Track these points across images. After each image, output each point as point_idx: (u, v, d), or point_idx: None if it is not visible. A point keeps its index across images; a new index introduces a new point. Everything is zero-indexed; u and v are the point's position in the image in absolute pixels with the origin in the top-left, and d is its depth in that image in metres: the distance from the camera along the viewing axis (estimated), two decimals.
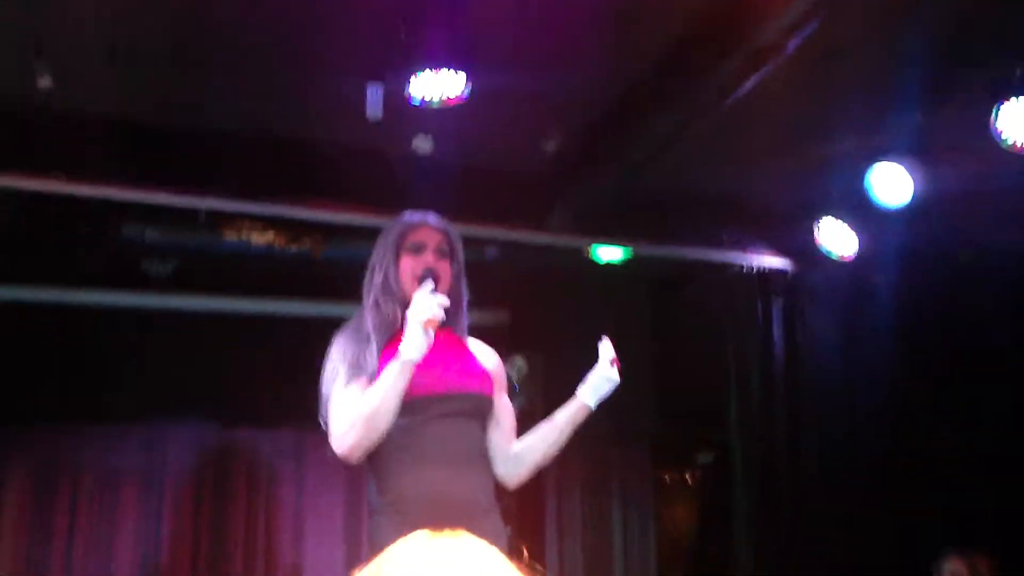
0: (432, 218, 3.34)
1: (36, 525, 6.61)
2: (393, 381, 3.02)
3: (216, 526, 6.92)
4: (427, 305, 2.97)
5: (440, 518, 3.06)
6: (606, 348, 3.36)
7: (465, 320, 3.38)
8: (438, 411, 3.12)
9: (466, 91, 4.68)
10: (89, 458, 6.78)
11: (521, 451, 3.30)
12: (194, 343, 6.53)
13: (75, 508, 6.69)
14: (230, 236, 5.78)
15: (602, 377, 3.35)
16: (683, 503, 7.94)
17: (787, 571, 6.70)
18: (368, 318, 3.21)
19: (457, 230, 3.37)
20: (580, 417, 3.33)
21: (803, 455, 6.89)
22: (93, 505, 6.72)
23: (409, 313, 2.99)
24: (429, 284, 3.07)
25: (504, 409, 3.37)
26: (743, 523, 7.12)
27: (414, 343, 2.97)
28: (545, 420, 3.32)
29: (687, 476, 7.95)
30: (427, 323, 2.96)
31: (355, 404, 3.06)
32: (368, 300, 3.29)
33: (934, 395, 6.52)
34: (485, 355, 3.37)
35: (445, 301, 3.00)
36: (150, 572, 6.72)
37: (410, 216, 3.36)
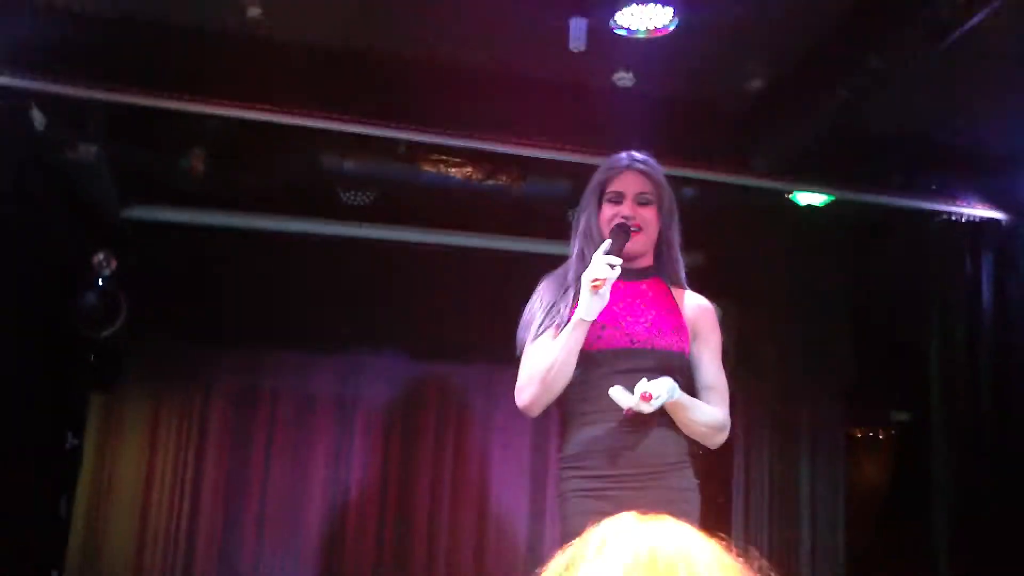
0: (637, 162, 3.25)
1: (237, 442, 6.88)
2: (565, 341, 3.00)
3: (405, 456, 7.07)
4: (597, 266, 2.92)
5: (623, 473, 3.02)
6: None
7: (677, 267, 3.29)
8: (622, 366, 3.07)
9: (673, 23, 4.56)
10: (286, 383, 7.01)
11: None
12: (390, 274, 6.63)
13: (272, 429, 6.94)
14: (428, 168, 5.79)
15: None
16: (876, 462, 7.71)
17: (986, 543, 6.44)
18: (572, 266, 3.18)
19: (662, 172, 3.28)
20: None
21: (1010, 421, 6.56)
22: (289, 427, 6.95)
23: (584, 274, 2.94)
24: (607, 244, 3.00)
25: (703, 366, 3.27)
26: (940, 489, 6.84)
27: (584, 303, 2.93)
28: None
29: (881, 434, 7.70)
30: (596, 284, 2.90)
31: (536, 359, 3.04)
32: (574, 248, 3.25)
33: None
34: (693, 308, 3.27)
35: (616, 261, 2.93)
36: (341, 493, 6.91)
37: (615, 160, 3.29)
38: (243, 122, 5.33)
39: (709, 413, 3.19)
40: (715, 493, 6.47)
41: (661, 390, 2.95)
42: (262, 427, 6.95)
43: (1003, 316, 6.65)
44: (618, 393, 2.96)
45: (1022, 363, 6.57)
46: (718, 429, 3.23)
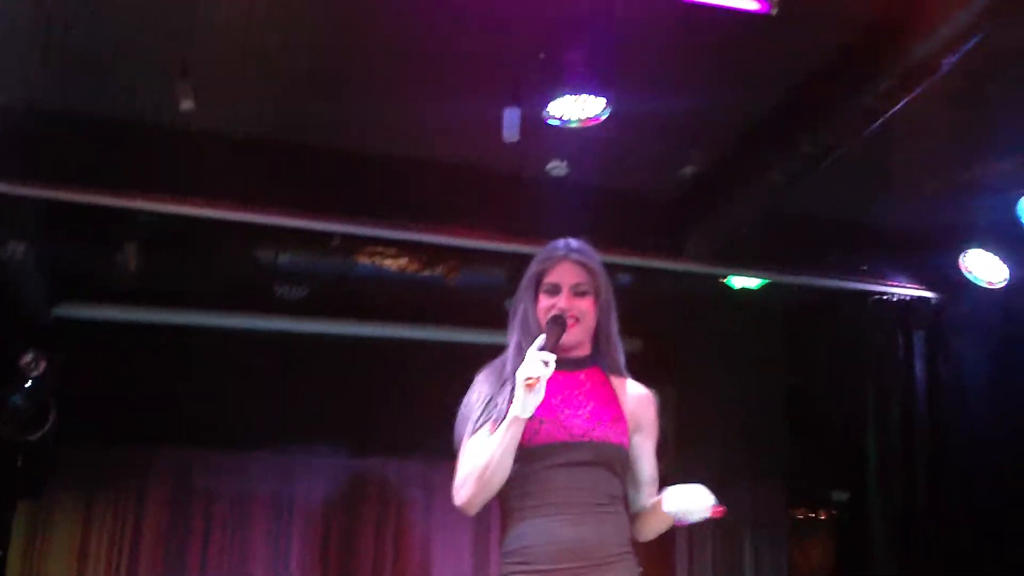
0: (573, 252, 3.23)
1: (172, 545, 6.71)
2: (501, 438, 2.96)
3: (344, 553, 6.94)
4: (531, 364, 2.91)
5: (566, 567, 2.98)
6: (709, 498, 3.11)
7: (616, 355, 3.27)
8: (561, 459, 3.04)
9: (605, 112, 4.61)
10: (222, 482, 6.86)
11: (636, 519, 3.21)
12: (326, 369, 6.57)
13: (209, 530, 6.77)
14: (363, 260, 5.78)
15: (695, 506, 3.09)
16: (817, 542, 7.70)
17: None
18: (509, 359, 3.15)
19: (599, 261, 3.27)
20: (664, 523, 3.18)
21: (946, 496, 6.61)
22: (226, 528, 6.79)
23: (518, 371, 2.93)
24: (541, 339, 2.98)
25: (644, 458, 3.25)
26: (881, 567, 6.85)
27: (519, 401, 2.91)
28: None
29: (822, 514, 7.70)
30: (530, 383, 2.89)
31: (472, 456, 3.01)
32: (511, 339, 3.22)
33: None
34: (634, 398, 3.25)
35: (550, 358, 2.91)
36: None
37: (551, 250, 3.26)
38: (177, 217, 5.28)
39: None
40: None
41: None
42: (198, 529, 6.79)
43: (937, 394, 6.73)
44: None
45: (957, 440, 6.65)
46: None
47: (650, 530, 3.19)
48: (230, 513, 6.84)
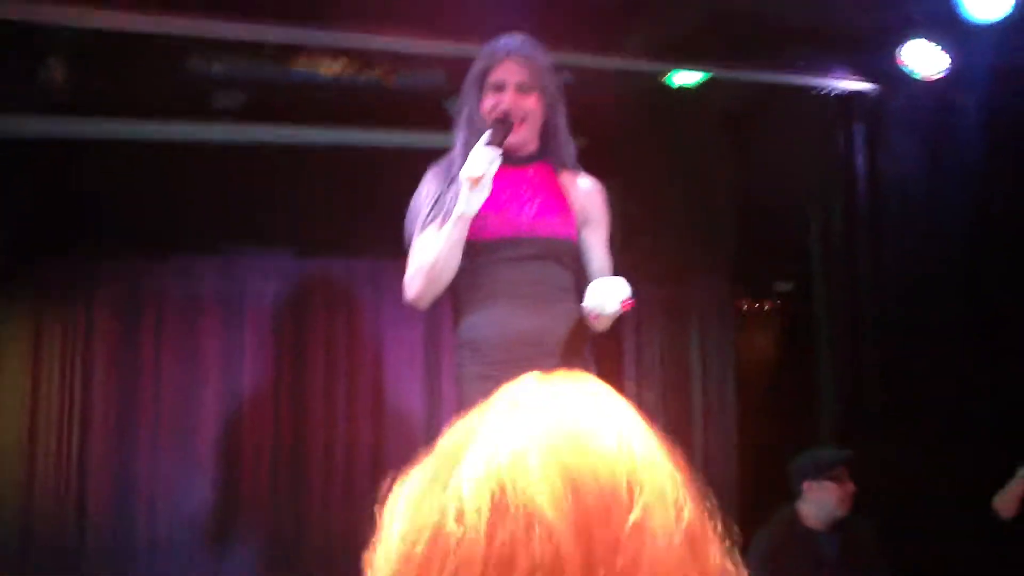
0: (517, 48, 3.20)
1: (124, 353, 6.75)
2: (448, 234, 2.99)
3: (296, 353, 7.02)
4: (475, 162, 2.90)
5: (516, 355, 3.03)
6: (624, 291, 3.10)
7: (564, 151, 3.26)
8: (508, 253, 3.08)
9: None
10: (169, 289, 6.87)
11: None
12: (267, 175, 6.52)
13: (159, 338, 6.81)
14: (299, 66, 5.68)
15: (609, 299, 3.08)
16: (762, 332, 7.90)
17: (868, 401, 6.67)
18: (457, 158, 3.14)
19: (545, 56, 3.23)
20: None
21: (887, 284, 6.77)
22: (176, 335, 6.83)
23: (462, 169, 2.92)
24: (485, 137, 2.97)
25: (594, 251, 3.27)
26: (824, 352, 7.06)
27: (463, 199, 2.93)
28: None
29: (766, 305, 7.88)
30: (473, 180, 2.88)
31: (421, 252, 3.03)
32: (458, 139, 3.21)
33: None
34: (582, 192, 3.26)
35: (494, 155, 2.91)
36: (235, 396, 6.86)
37: (495, 47, 3.23)
38: (103, 28, 5.13)
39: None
40: (608, 372, 6.55)
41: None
42: (148, 335, 6.82)
43: (877, 186, 6.81)
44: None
45: (896, 230, 6.76)
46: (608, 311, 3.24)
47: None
48: (180, 318, 6.87)
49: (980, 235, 6.31)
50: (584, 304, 3.09)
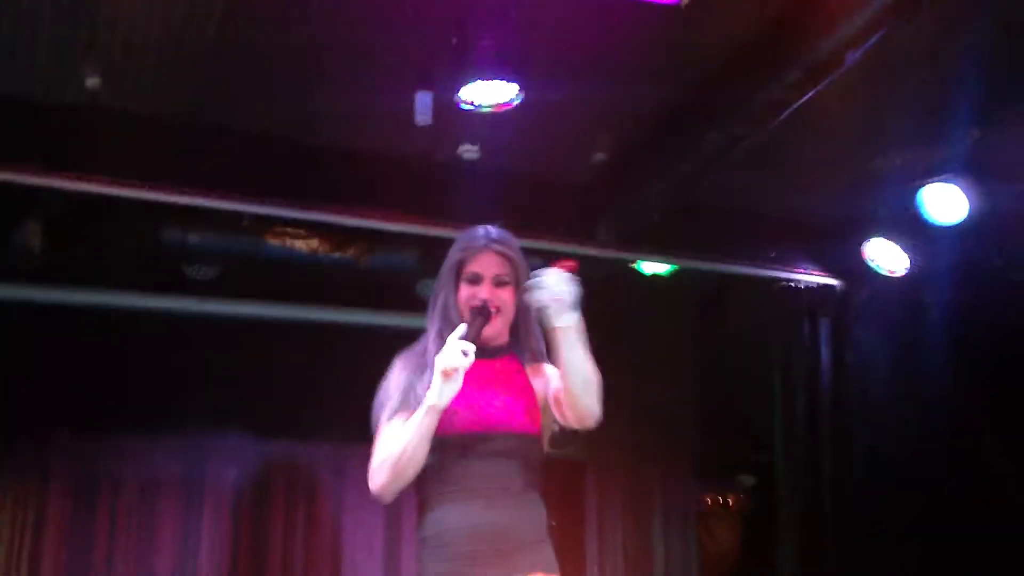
0: (493, 240, 3.23)
1: (77, 535, 6.55)
2: (417, 427, 2.96)
3: (255, 540, 6.87)
4: (450, 354, 2.91)
5: (481, 551, 3.00)
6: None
7: (534, 342, 3.27)
8: (476, 449, 3.05)
9: (518, 98, 4.62)
10: (128, 467, 6.72)
11: (564, 390, 3.09)
12: (235, 350, 6.49)
13: (115, 517, 6.63)
14: (273, 241, 5.74)
15: (548, 280, 3.00)
16: (726, 526, 7.82)
17: None
18: (430, 347, 3.14)
19: (519, 250, 3.27)
20: (569, 337, 3.06)
21: (850, 479, 6.77)
22: (132, 515, 6.66)
23: (436, 358, 2.94)
24: (461, 328, 2.99)
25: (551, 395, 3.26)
26: (787, 549, 7.00)
27: (435, 390, 2.92)
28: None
29: (730, 498, 7.82)
30: (447, 372, 2.90)
31: (388, 443, 3.02)
32: (431, 327, 3.22)
33: (988, 416, 6.37)
34: (543, 379, 3.26)
35: (470, 348, 2.93)
36: None
37: (472, 238, 3.25)
38: (81, 195, 5.19)
39: (593, 378, 3.06)
40: (571, 563, 6.46)
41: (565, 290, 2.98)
42: (104, 517, 6.64)
43: (841, 379, 6.88)
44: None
45: (861, 424, 6.80)
46: (591, 402, 3.08)
47: (570, 368, 3.02)
48: (136, 501, 6.71)
49: (942, 428, 6.36)
50: (530, 303, 3.02)
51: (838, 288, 6.77)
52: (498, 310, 3.15)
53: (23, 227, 5.38)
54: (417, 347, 3.22)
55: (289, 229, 5.76)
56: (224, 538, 6.78)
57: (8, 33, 4.55)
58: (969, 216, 5.59)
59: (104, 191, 5.20)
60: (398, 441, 2.99)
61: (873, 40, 4.29)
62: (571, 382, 3.03)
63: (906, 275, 6.21)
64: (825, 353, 6.93)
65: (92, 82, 4.61)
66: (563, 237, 5.92)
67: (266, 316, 6.57)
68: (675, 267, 6.38)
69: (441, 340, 3.06)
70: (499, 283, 3.17)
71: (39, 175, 5.11)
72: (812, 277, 6.69)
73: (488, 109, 4.70)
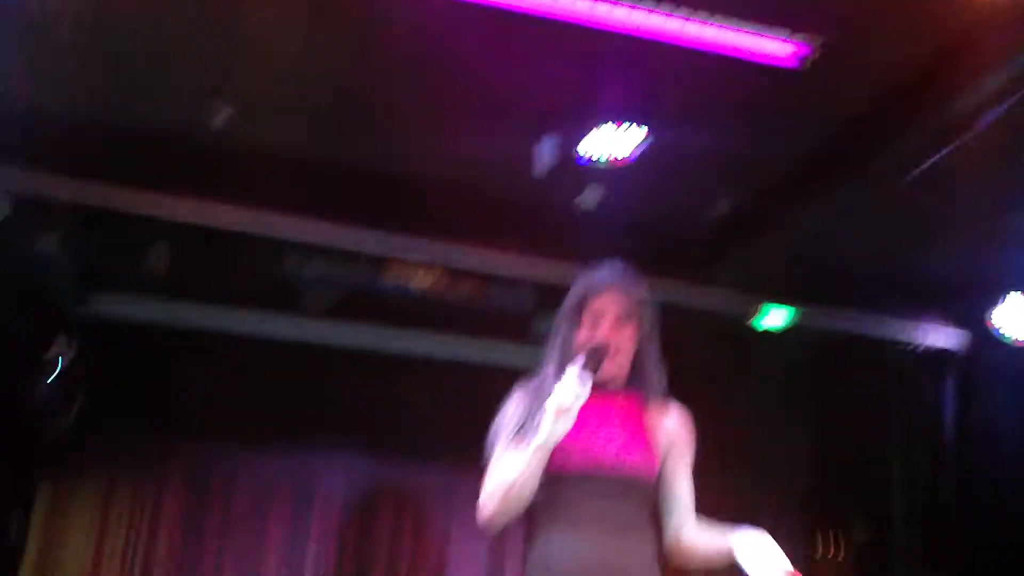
0: (618, 280, 3.22)
1: (188, 535, 6.74)
2: (527, 463, 2.94)
3: (360, 556, 6.95)
4: (564, 392, 2.89)
5: None
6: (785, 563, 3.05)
7: (655, 380, 3.24)
8: (588, 488, 3.03)
9: (635, 152, 4.60)
10: (242, 477, 6.88)
11: (688, 548, 3.20)
12: (350, 377, 6.59)
13: (225, 530, 6.80)
14: (389, 279, 5.83)
15: (770, 569, 3.00)
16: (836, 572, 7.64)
17: None
18: (548, 381, 3.13)
19: (644, 288, 3.25)
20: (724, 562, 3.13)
21: (970, 542, 6.58)
22: (242, 523, 6.82)
23: (550, 399, 2.92)
24: (577, 367, 2.97)
25: (679, 482, 3.23)
26: None
27: (546, 428, 2.90)
28: (719, 532, 3.18)
29: (842, 554, 7.64)
30: (560, 411, 2.88)
31: (499, 476, 3.01)
32: (550, 362, 3.21)
33: None
34: (668, 421, 3.23)
35: (583, 389, 2.91)
36: None
37: (597, 277, 3.24)
38: (207, 228, 5.35)
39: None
40: None
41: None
42: (215, 521, 6.81)
43: (965, 441, 6.69)
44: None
45: (984, 488, 6.60)
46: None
47: (697, 562, 3.17)
48: (248, 508, 6.86)
49: None
50: (742, 563, 3.03)
51: (965, 348, 6.60)
52: (618, 351, 3.13)
53: (152, 249, 5.54)
54: (535, 381, 3.22)
55: (406, 267, 5.84)
56: (330, 551, 6.88)
57: (144, 65, 4.70)
58: None
59: (229, 221, 5.33)
60: (509, 473, 2.98)
61: (1010, 102, 4.18)
62: (693, 562, 3.14)
63: None
64: (949, 414, 6.76)
65: (219, 120, 4.74)
66: (684, 287, 5.89)
67: (383, 347, 6.68)
68: (794, 315, 6.25)
69: (559, 375, 3.05)
70: (622, 321, 3.16)
71: (170, 202, 5.27)
72: (939, 335, 6.54)
73: (604, 164, 4.70)
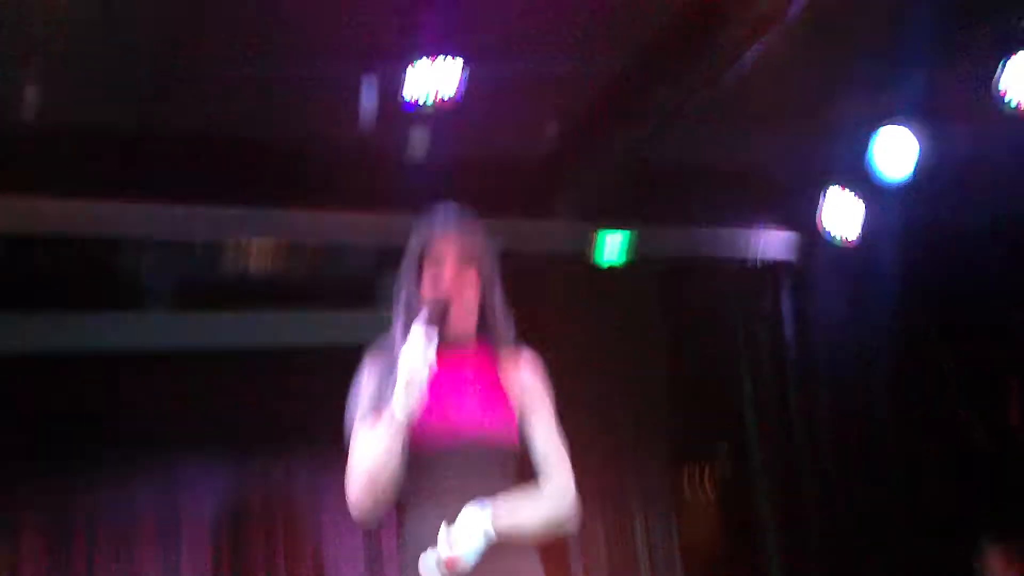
0: (452, 224, 3.13)
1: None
2: (385, 442, 2.83)
3: (236, 566, 6.77)
4: (411, 355, 2.79)
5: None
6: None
7: (503, 328, 3.17)
8: (452, 464, 2.94)
9: (459, 89, 4.54)
10: (103, 500, 6.60)
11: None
12: (198, 374, 6.38)
13: (92, 558, 6.51)
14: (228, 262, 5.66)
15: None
16: (704, 497, 7.79)
17: (814, 560, 6.59)
18: (397, 341, 3.02)
19: (481, 231, 3.16)
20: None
21: (819, 444, 6.80)
22: (110, 554, 6.55)
23: (399, 364, 2.81)
24: (420, 327, 2.87)
25: (536, 435, 3.16)
26: (766, 513, 7.00)
27: (400, 403, 2.79)
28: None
29: (707, 468, 7.80)
30: (411, 379, 2.78)
31: (359, 460, 2.89)
32: (396, 322, 3.10)
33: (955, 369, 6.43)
34: (521, 371, 3.16)
35: (432, 357, 2.81)
36: None
37: (431, 224, 3.15)
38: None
39: (541, 514, 2.95)
40: (555, 570, 6.40)
41: (468, 547, 2.83)
42: (80, 552, 6.52)
43: (804, 342, 6.88)
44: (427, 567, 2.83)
45: (825, 385, 6.81)
46: (561, 520, 3.00)
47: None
48: (113, 535, 6.59)
49: (905, 380, 6.38)
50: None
51: (796, 252, 6.76)
52: (462, 298, 3.04)
53: None
54: (385, 343, 3.11)
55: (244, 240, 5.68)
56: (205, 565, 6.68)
57: None
58: (919, 167, 5.56)
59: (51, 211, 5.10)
60: (368, 457, 2.86)
61: None
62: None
63: (861, 232, 6.15)
64: (788, 317, 6.94)
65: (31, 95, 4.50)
66: (521, 216, 5.85)
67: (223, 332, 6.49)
68: (628, 247, 6.27)
69: (405, 335, 2.95)
70: (464, 263, 3.07)
71: None
72: (771, 242, 6.67)
73: (430, 105, 4.64)
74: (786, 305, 6.93)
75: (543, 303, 6.43)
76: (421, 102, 4.68)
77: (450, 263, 3.04)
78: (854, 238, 6.11)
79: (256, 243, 5.76)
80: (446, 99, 4.61)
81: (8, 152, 4.86)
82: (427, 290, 3.03)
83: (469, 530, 2.78)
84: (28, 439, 6.09)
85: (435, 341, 2.83)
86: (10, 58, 4.48)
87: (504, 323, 3.14)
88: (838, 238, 6.14)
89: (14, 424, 6.00)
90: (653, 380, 7.21)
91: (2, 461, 6.09)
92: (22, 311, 5.95)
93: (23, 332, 6.03)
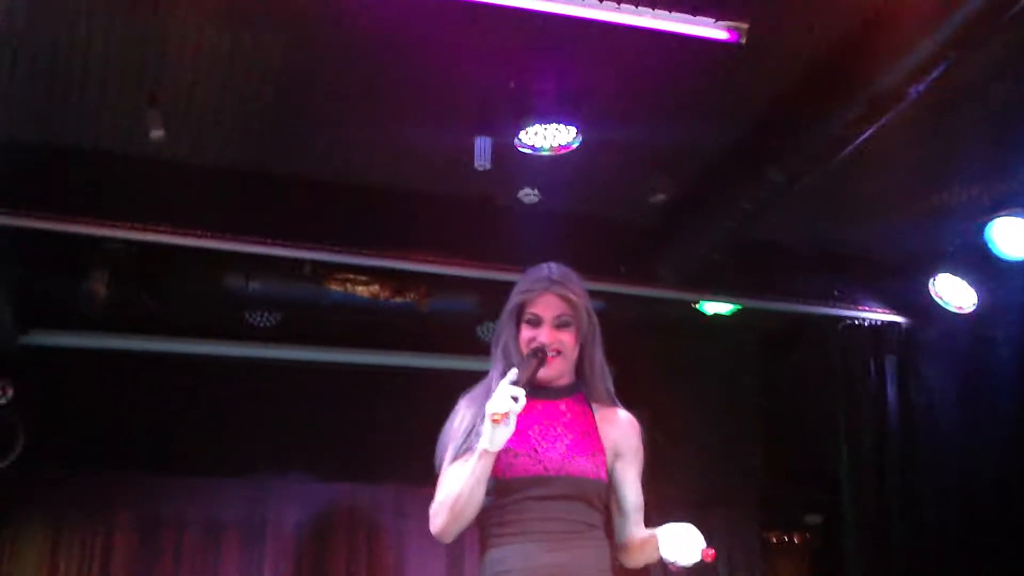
0: (554, 282, 3.20)
1: (140, 573, 6.61)
2: (471, 471, 2.92)
3: None
4: (499, 398, 2.87)
5: None
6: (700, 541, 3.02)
7: (601, 383, 3.23)
8: (535, 492, 3.01)
9: (576, 141, 4.62)
10: (192, 509, 6.79)
11: (631, 548, 3.16)
12: (297, 395, 6.54)
13: (178, 558, 6.68)
14: (334, 288, 5.77)
15: (689, 550, 2.96)
16: (791, 566, 7.69)
17: None
18: (493, 388, 3.11)
19: (582, 289, 3.23)
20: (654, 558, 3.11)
21: (918, 518, 6.64)
22: (195, 556, 6.71)
23: (487, 404, 2.90)
24: (513, 373, 2.95)
25: (628, 486, 3.22)
26: None
27: (487, 435, 2.88)
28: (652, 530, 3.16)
29: (795, 538, 7.69)
30: (496, 417, 2.86)
31: (448, 485, 2.99)
32: (494, 369, 3.19)
33: None
34: (617, 427, 3.22)
35: (520, 393, 2.88)
36: None
37: (533, 280, 3.21)
38: (145, 244, 5.26)
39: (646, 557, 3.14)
40: None
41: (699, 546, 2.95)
42: (168, 557, 6.70)
43: (908, 418, 6.76)
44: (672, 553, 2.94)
45: (928, 463, 6.67)
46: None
47: (639, 560, 3.16)
48: (200, 540, 6.76)
49: (1016, 470, 6.22)
50: (664, 556, 3.01)
51: (904, 325, 6.66)
52: (558, 352, 3.12)
53: (88, 276, 5.45)
54: (480, 388, 3.19)
55: (350, 275, 5.79)
56: None
57: (76, 86, 4.62)
58: None
59: (166, 240, 5.27)
60: (455, 484, 2.97)
61: (935, 74, 4.23)
62: (632, 563, 3.15)
63: (974, 311, 6.09)
64: (892, 391, 6.82)
65: (155, 134, 4.67)
66: (625, 278, 5.89)
67: (327, 360, 6.62)
68: (737, 307, 6.30)
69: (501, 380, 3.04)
70: (559, 325, 3.13)
71: (103, 225, 5.19)
72: (877, 314, 6.59)
73: (547, 153, 4.71)
74: (891, 378, 6.82)
75: (643, 366, 6.47)
76: (534, 161, 4.78)
77: (548, 320, 3.13)
78: (966, 309, 6.06)
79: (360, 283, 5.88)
80: (562, 147, 4.70)
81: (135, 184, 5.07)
82: (524, 344, 3.12)
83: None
84: (127, 438, 6.31)
85: (526, 388, 2.92)
86: (133, 95, 4.68)
87: (601, 379, 3.22)
88: (950, 307, 6.09)
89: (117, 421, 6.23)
90: (748, 442, 7.18)
91: (102, 461, 6.34)
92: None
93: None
